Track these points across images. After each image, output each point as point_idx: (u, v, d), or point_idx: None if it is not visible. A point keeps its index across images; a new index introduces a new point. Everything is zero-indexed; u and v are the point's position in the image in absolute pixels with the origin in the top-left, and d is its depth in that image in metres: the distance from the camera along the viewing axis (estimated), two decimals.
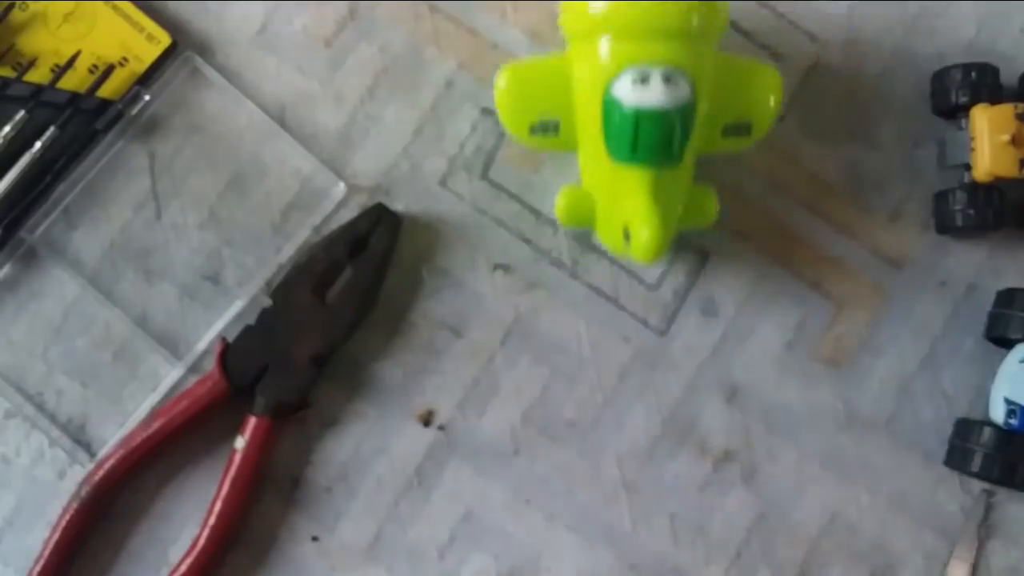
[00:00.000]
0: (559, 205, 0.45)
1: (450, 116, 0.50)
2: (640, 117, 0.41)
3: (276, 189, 0.49)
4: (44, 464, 0.48)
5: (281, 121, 0.49)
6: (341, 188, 0.49)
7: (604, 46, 0.41)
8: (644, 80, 0.41)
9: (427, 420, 0.48)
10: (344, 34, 0.50)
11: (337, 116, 0.49)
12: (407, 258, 0.49)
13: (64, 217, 0.49)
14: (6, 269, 0.48)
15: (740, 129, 0.44)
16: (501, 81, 0.44)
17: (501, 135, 0.50)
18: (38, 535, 0.47)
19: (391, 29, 0.50)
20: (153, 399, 0.48)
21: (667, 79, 0.40)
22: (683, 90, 0.41)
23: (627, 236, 0.42)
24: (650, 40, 0.41)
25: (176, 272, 0.49)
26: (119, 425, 0.48)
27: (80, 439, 0.48)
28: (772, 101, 0.44)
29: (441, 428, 0.48)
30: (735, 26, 0.50)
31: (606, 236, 0.45)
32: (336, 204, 0.49)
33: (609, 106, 0.41)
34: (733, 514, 0.48)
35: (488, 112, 0.50)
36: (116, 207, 0.49)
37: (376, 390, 0.48)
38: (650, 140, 0.41)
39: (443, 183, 0.49)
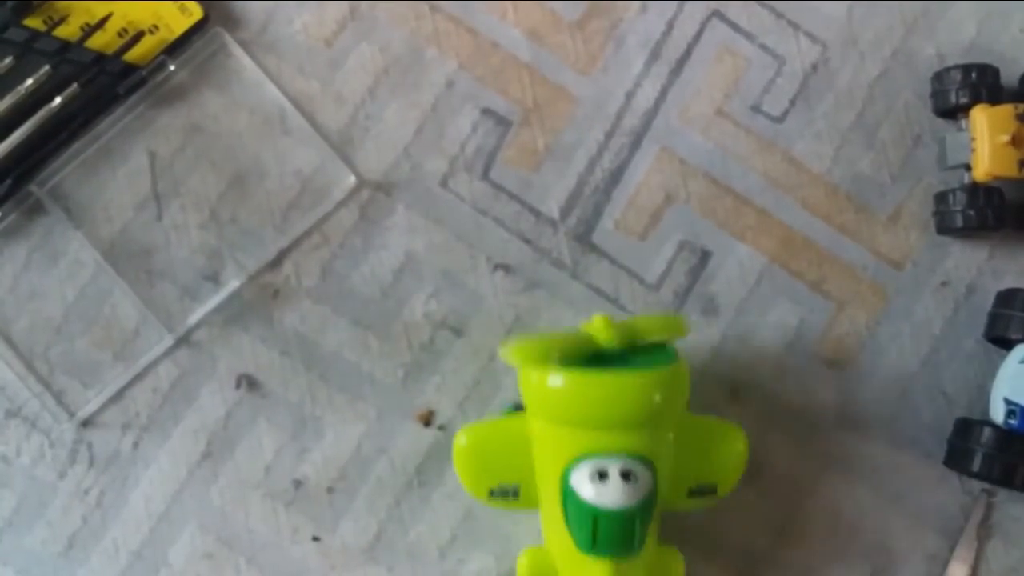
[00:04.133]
0: (522, 566, 0.44)
1: (450, 116, 0.50)
2: (599, 516, 0.39)
3: (277, 189, 0.49)
4: (44, 464, 0.48)
5: (283, 117, 0.49)
6: (351, 180, 0.49)
7: (561, 431, 0.41)
8: (603, 476, 0.39)
9: (427, 420, 0.48)
10: (344, 34, 0.50)
11: (337, 116, 0.49)
12: (407, 258, 0.49)
13: (73, 176, 0.49)
14: (12, 218, 0.49)
15: (705, 490, 0.43)
16: (460, 442, 0.43)
17: (501, 135, 0.50)
18: (38, 535, 0.47)
19: (391, 29, 0.50)
20: (153, 399, 0.48)
21: (626, 475, 0.39)
22: (644, 483, 0.40)
23: None
24: (608, 430, 0.40)
25: (176, 272, 0.49)
26: (120, 424, 0.48)
27: (80, 438, 0.48)
28: (738, 463, 0.43)
29: (441, 428, 0.48)
30: (736, 26, 0.50)
31: None
32: (345, 196, 0.49)
33: (567, 496, 0.40)
34: (733, 513, 0.48)
35: (488, 112, 0.50)
36: (117, 207, 0.49)
37: (376, 390, 0.48)
38: (610, 537, 0.40)
39: (443, 183, 0.49)
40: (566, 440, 0.40)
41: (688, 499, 0.43)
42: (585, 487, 0.39)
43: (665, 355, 0.41)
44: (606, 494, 0.39)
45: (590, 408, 0.40)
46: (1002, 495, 0.48)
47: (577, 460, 0.40)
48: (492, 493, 0.43)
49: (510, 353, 0.42)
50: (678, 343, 0.43)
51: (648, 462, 0.40)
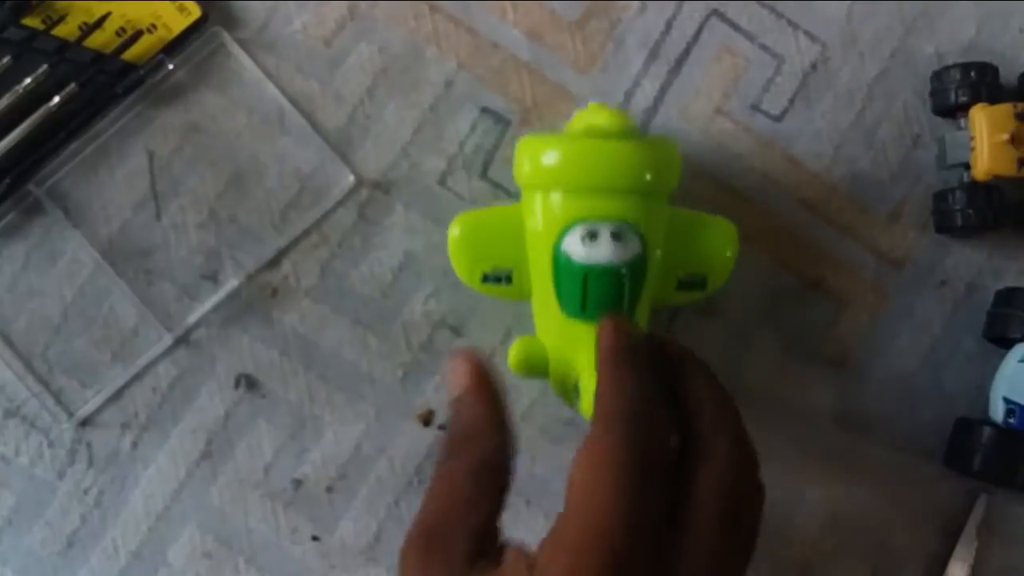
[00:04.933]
0: (512, 356, 0.43)
1: (450, 116, 0.50)
2: (589, 274, 0.40)
3: (275, 188, 0.49)
4: (43, 464, 0.48)
5: (282, 116, 0.49)
6: (350, 179, 0.49)
7: (554, 200, 0.41)
8: (593, 236, 0.40)
9: (427, 420, 0.48)
10: (344, 34, 0.50)
11: (336, 116, 0.49)
12: (406, 257, 0.49)
13: (71, 175, 0.49)
14: (10, 218, 0.48)
15: (695, 283, 0.44)
16: (455, 230, 0.44)
17: (501, 134, 0.50)
18: (38, 535, 0.47)
19: (391, 29, 0.50)
20: (152, 398, 0.48)
21: (616, 235, 0.40)
22: (633, 246, 0.41)
23: (576, 390, 0.42)
24: (600, 196, 0.41)
25: (175, 272, 0.49)
26: (119, 424, 0.48)
27: (79, 438, 0.48)
28: (728, 253, 0.44)
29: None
30: (736, 26, 0.50)
31: (557, 387, 0.44)
32: (344, 195, 0.49)
33: (558, 261, 0.41)
34: None
35: (488, 112, 0.50)
36: (116, 207, 0.49)
37: (376, 390, 0.48)
38: (599, 297, 0.41)
39: (443, 183, 0.49)
40: (559, 210, 0.41)
41: (678, 291, 0.44)
42: (576, 247, 0.40)
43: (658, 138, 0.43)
44: (596, 251, 0.40)
45: (584, 171, 0.41)
46: (1002, 495, 0.48)
47: (569, 226, 0.41)
48: (485, 278, 0.44)
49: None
50: None
51: (638, 230, 0.41)
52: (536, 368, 0.43)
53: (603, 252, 0.40)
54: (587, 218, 0.41)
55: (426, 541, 0.34)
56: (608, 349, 0.38)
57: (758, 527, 0.35)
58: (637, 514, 0.32)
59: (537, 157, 0.42)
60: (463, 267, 0.44)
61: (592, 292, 0.41)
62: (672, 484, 0.34)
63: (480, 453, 0.36)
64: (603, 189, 0.41)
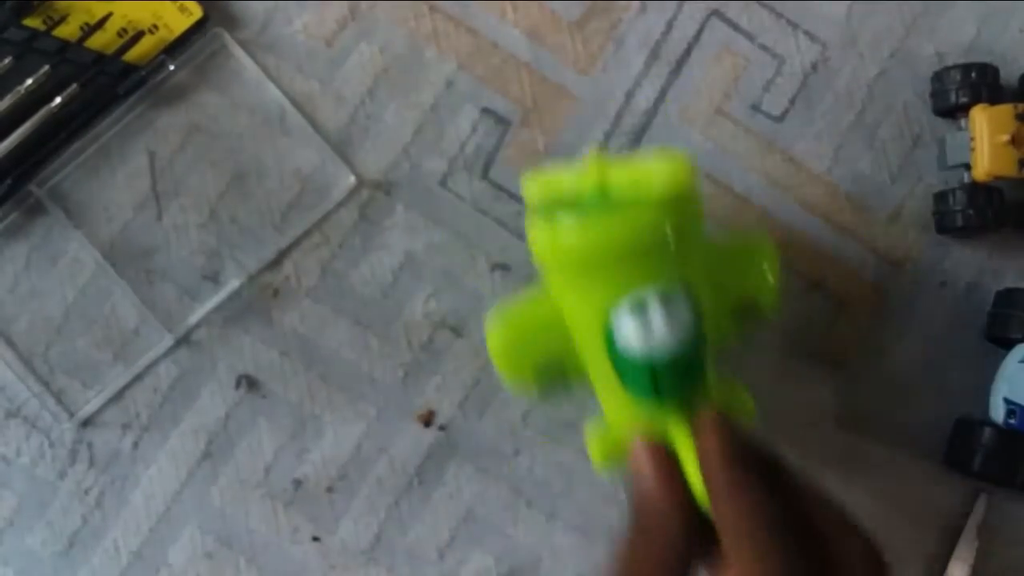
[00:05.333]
0: (593, 452, 0.41)
1: (450, 116, 0.50)
2: (655, 366, 0.37)
3: (277, 189, 0.49)
4: (44, 464, 0.48)
5: (282, 117, 0.49)
6: (351, 180, 0.49)
7: (586, 281, 0.38)
8: (641, 309, 0.36)
9: (427, 420, 0.48)
10: (344, 34, 0.50)
11: (337, 116, 0.49)
12: (406, 258, 0.49)
13: (72, 176, 0.49)
14: (12, 218, 0.49)
15: (748, 308, 0.41)
16: (493, 340, 0.40)
17: (501, 135, 0.50)
18: (38, 535, 0.47)
19: (391, 29, 0.50)
20: (153, 398, 0.48)
21: (666, 302, 0.36)
22: (684, 312, 0.37)
23: None
24: (633, 264, 0.37)
25: (176, 272, 0.49)
26: (120, 424, 0.48)
27: (80, 438, 0.48)
28: (770, 276, 0.40)
29: (441, 428, 0.48)
30: (736, 26, 0.50)
31: None
32: (344, 196, 0.49)
33: (616, 354, 0.37)
34: None
35: (488, 112, 0.50)
36: (117, 207, 0.49)
37: (376, 390, 0.48)
38: (672, 381, 0.37)
39: (443, 183, 0.49)
40: (595, 292, 0.37)
41: (734, 323, 0.40)
42: (630, 335, 0.36)
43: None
44: (652, 336, 0.36)
45: (609, 248, 0.36)
46: (1002, 495, 0.48)
47: (614, 306, 0.37)
48: (539, 378, 0.40)
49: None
50: None
51: (685, 289, 0.37)
52: (619, 457, 0.40)
53: (659, 334, 0.36)
54: (628, 290, 0.37)
55: None
56: (719, 459, 0.36)
57: None
58: None
59: (554, 241, 0.37)
60: (514, 376, 0.40)
61: (663, 380, 0.37)
62: None
63: (664, 539, 0.36)
64: (632, 254, 0.37)
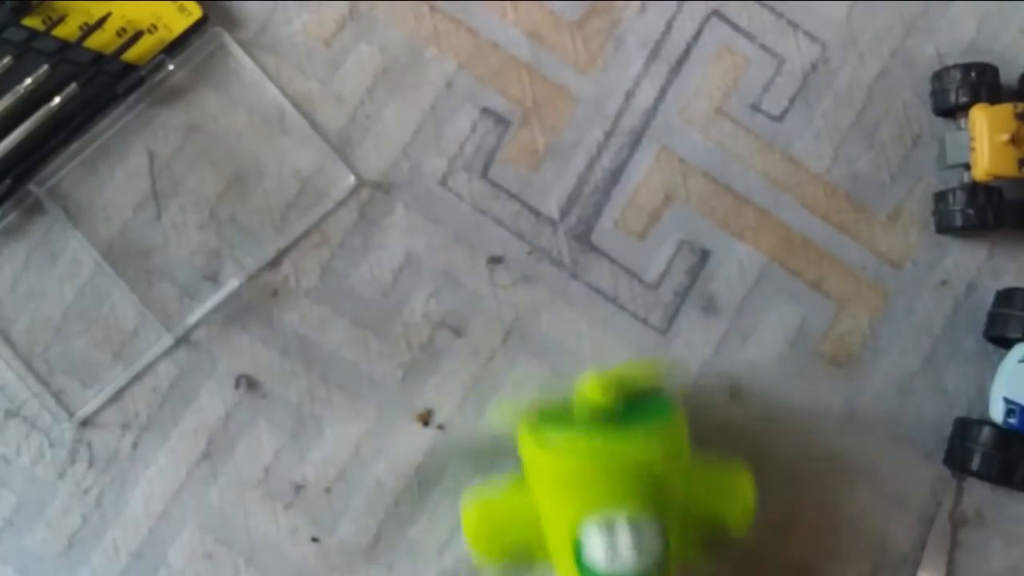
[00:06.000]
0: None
1: (450, 116, 0.50)
2: None
3: (276, 189, 0.49)
4: (44, 464, 0.48)
5: (282, 117, 0.49)
6: (351, 180, 0.49)
7: (563, 494, 0.40)
8: (610, 529, 0.38)
9: (427, 420, 0.48)
10: (344, 34, 0.50)
11: (337, 116, 0.49)
12: (406, 258, 0.49)
13: (72, 176, 0.49)
14: (11, 218, 0.49)
15: (717, 536, 0.43)
16: (469, 520, 0.43)
17: (501, 135, 0.50)
18: (38, 535, 0.47)
19: (391, 29, 0.50)
20: (153, 398, 0.48)
21: (635, 530, 0.38)
22: (653, 541, 0.39)
23: None
24: (610, 486, 0.39)
25: (175, 272, 0.49)
26: (119, 424, 0.48)
27: (80, 438, 0.48)
28: (744, 507, 0.42)
29: (441, 428, 0.48)
30: (736, 26, 0.50)
31: None
32: (344, 196, 0.49)
33: (583, 569, 0.39)
34: None
35: (488, 112, 0.50)
36: (116, 207, 0.49)
37: (376, 390, 0.48)
38: None
39: (443, 183, 0.49)
40: (569, 502, 0.40)
41: (701, 541, 0.42)
42: (597, 556, 0.39)
43: (661, 404, 0.42)
44: (618, 560, 0.38)
45: (590, 474, 0.40)
46: (1001, 494, 0.48)
47: (584, 519, 0.39)
48: (508, 556, 0.43)
49: (505, 419, 0.43)
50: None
51: (655, 518, 0.39)
52: None
53: (625, 558, 0.38)
54: (600, 507, 0.39)
55: None
56: None
57: None
58: None
59: (540, 454, 0.41)
60: (483, 555, 0.43)
61: None
62: None
63: None
64: (611, 478, 0.39)
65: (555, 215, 0.49)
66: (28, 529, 0.48)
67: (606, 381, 0.41)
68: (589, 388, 0.41)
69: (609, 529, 0.39)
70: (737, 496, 0.43)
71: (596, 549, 0.39)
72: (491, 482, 0.44)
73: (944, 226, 0.48)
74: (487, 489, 0.44)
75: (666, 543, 0.39)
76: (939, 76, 0.49)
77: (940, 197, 0.48)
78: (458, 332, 0.49)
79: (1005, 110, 0.46)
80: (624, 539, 0.38)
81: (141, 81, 0.48)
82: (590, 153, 0.50)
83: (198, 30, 0.49)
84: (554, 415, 0.42)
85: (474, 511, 0.43)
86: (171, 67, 0.49)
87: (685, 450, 0.41)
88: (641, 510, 0.39)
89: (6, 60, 0.47)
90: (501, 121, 0.50)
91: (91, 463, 0.48)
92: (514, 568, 0.44)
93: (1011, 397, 0.45)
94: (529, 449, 0.41)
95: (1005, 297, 0.47)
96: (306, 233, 0.49)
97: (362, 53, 0.50)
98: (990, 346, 0.48)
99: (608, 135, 0.50)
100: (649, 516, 0.39)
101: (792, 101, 0.50)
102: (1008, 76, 0.48)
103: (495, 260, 0.49)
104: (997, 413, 0.46)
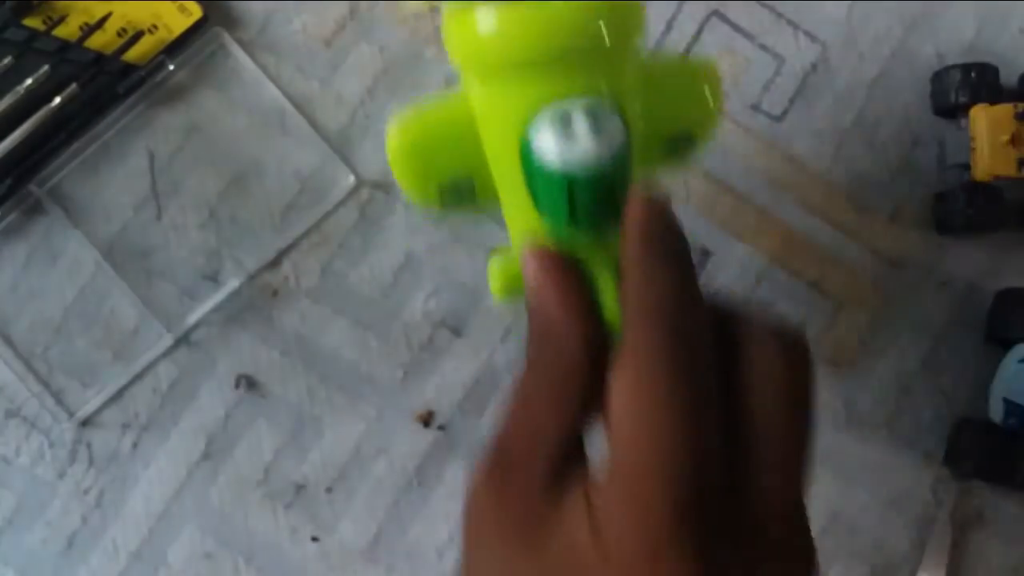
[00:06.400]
0: (494, 279, 0.36)
1: None
2: (573, 184, 0.31)
3: (276, 189, 0.49)
4: (44, 464, 0.48)
5: (282, 117, 0.49)
6: (351, 180, 0.49)
7: (505, 83, 0.32)
8: (566, 123, 0.31)
9: (427, 420, 0.48)
10: (344, 34, 0.50)
11: (337, 116, 0.49)
12: (406, 258, 0.49)
13: (72, 176, 0.49)
14: (11, 218, 0.49)
15: (681, 140, 0.36)
16: (394, 141, 0.34)
17: None
18: (38, 535, 0.47)
19: (391, 29, 0.50)
20: (153, 398, 0.48)
21: (593, 117, 0.31)
22: (614, 129, 0.32)
23: None
24: (559, 68, 0.31)
25: (176, 272, 0.49)
26: (119, 424, 0.48)
27: (80, 438, 0.48)
28: (712, 102, 0.35)
29: (441, 428, 0.48)
30: (736, 26, 0.50)
31: None
32: (344, 196, 0.49)
33: (531, 167, 0.32)
34: None
35: None
36: (116, 207, 0.49)
37: (376, 390, 0.48)
38: (590, 206, 0.32)
39: None
40: (513, 96, 0.32)
41: (665, 154, 0.35)
42: (549, 147, 0.31)
43: None
44: (574, 149, 0.31)
45: (533, 37, 0.31)
46: (1001, 495, 0.48)
47: (533, 115, 0.32)
48: (443, 194, 0.35)
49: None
50: None
51: (615, 105, 0.32)
52: (522, 290, 0.34)
53: (583, 148, 0.31)
54: (552, 99, 0.31)
55: (497, 465, 0.30)
56: (642, 236, 0.30)
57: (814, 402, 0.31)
58: (699, 441, 0.27)
59: (472, 30, 0.32)
60: (414, 187, 0.35)
61: (581, 203, 0.32)
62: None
63: (556, 352, 0.29)
64: (560, 57, 0.31)
65: None
66: (28, 529, 0.48)
67: None
68: None
69: (563, 119, 0.31)
70: (701, 93, 0.35)
71: (548, 141, 0.31)
72: (423, 99, 0.35)
73: (944, 226, 0.48)
74: (417, 106, 0.35)
75: (627, 136, 0.32)
76: (939, 76, 0.49)
77: (940, 197, 0.48)
78: (458, 332, 0.49)
79: (1005, 110, 0.46)
80: (581, 126, 0.31)
81: (141, 81, 0.48)
82: None
83: (198, 30, 0.49)
84: None
85: (402, 128, 0.34)
86: (171, 67, 0.49)
87: (640, 29, 0.33)
88: (596, 96, 0.32)
89: (6, 60, 0.47)
90: None
91: (91, 463, 0.48)
92: (451, 206, 0.35)
93: (1011, 398, 0.45)
94: (457, 33, 0.32)
95: (1005, 297, 0.47)
96: (306, 233, 0.49)
97: (362, 53, 0.50)
98: (990, 346, 0.48)
99: None
100: (607, 104, 0.32)
101: (792, 101, 0.50)
102: (1008, 76, 0.48)
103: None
104: (997, 414, 0.46)
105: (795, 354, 0.30)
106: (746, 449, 0.29)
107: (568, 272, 0.31)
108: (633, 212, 0.31)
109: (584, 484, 0.29)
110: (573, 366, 0.29)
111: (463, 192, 0.35)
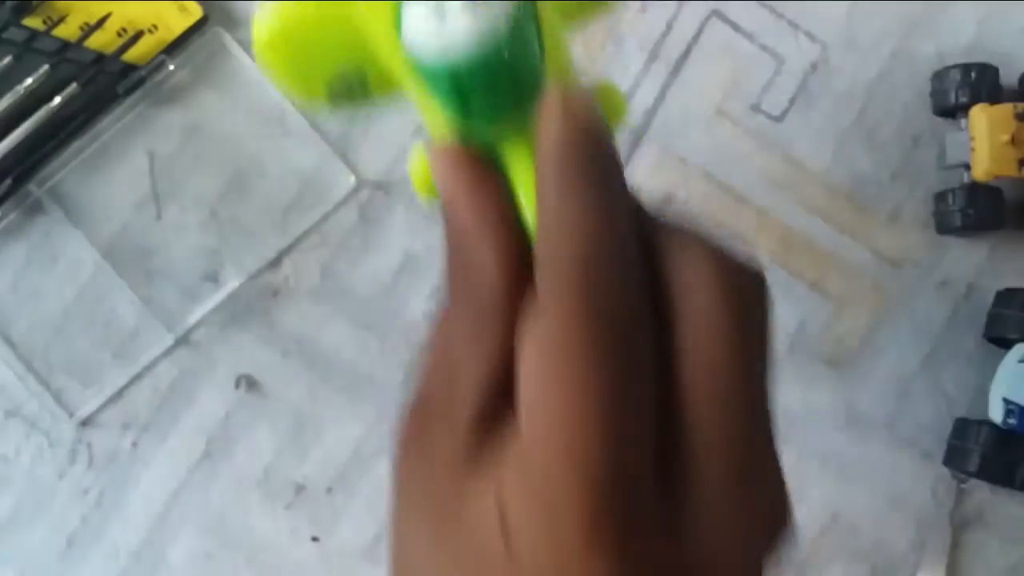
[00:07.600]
0: (415, 173, 0.28)
1: None
2: (455, 76, 0.24)
3: (276, 189, 0.49)
4: (44, 464, 0.48)
5: (282, 117, 0.49)
6: (351, 180, 0.49)
7: None
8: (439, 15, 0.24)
9: None
10: None
11: (337, 116, 0.49)
12: (406, 258, 0.49)
13: (72, 176, 0.49)
14: (11, 218, 0.49)
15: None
16: (261, 33, 0.27)
17: None
18: (38, 535, 0.47)
19: None
20: (153, 398, 0.48)
21: None
22: (495, 4, 0.24)
23: None
24: None
25: (176, 272, 0.49)
26: (119, 424, 0.48)
27: (80, 438, 0.48)
28: None
29: None
30: (736, 26, 0.50)
31: None
32: (344, 196, 0.49)
33: (410, 61, 0.25)
34: None
35: None
36: (116, 207, 0.49)
37: (376, 390, 0.48)
38: (487, 97, 0.25)
39: None
40: None
41: (584, 3, 0.29)
42: (421, 30, 0.24)
43: None
44: (447, 32, 0.24)
45: None
46: (1000, 495, 0.48)
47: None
48: (332, 92, 0.29)
49: None
50: None
51: None
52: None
53: (458, 26, 0.23)
54: None
55: (416, 416, 0.25)
56: (556, 154, 0.24)
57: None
58: (622, 431, 0.22)
59: None
60: (294, 85, 0.28)
61: (473, 94, 0.25)
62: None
63: (470, 270, 0.24)
64: None
65: None
66: (28, 529, 0.48)
67: None
68: None
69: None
70: None
71: (417, 24, 0.24)
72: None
73: (944, 226, 0.48)
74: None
75: (524, 5, 0.24)
76: (939, 76, 0.49)
77: (940, 197, 0.48)
78: None
79: (1005, 110, 0.46)
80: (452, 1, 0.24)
81: (141, 81, 0.48)
82: None
83: (198, 30, 0.49)
84: None
85: (270, 16, 0.27)
86: (171, 67, 0.49)
87: None
88: None
89: (6, 60, 0.47)
90: None
91: (91, 463, 0.48)
92: (342, 102, 0.29)
93: (1010, 398, 0.45)
94: None
95: (1005, 297, 0.47)
96: (306, 233, 0.49)
97: None
98: (990, 346, 0.48)
99: None
100: None
101: (792, 101, 0.50)
102: (1008, 76, 0.48)
103: None
104: (997, 413, 0.46)
105: (744, 297, 0.23)
106: (681, 437, 0.23)
107: (482, 173, 0.25)
108: (546, 123, 0.24)
109: (501, 468, 0.23)
110: (490, 287, 0.23)
111: (354, 87, 0.28)
